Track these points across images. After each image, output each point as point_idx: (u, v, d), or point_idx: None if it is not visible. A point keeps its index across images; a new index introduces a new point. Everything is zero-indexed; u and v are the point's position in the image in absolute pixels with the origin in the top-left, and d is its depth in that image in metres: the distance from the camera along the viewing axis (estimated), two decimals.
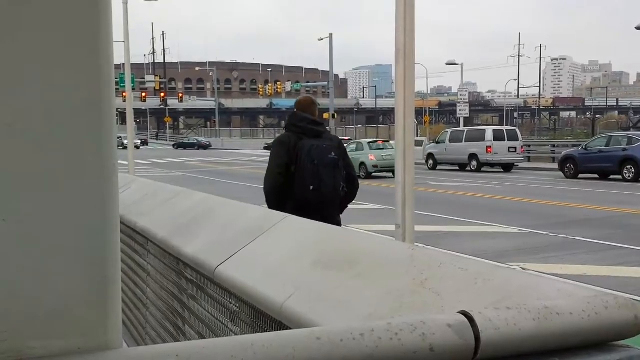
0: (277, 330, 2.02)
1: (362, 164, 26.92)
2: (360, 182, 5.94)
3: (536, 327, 1.03)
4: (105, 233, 0.91)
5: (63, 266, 0.88)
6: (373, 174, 26.91)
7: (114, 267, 0.92)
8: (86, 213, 0.89)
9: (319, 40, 63.09)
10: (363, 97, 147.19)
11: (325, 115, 64.16)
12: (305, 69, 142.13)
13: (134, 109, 26.11)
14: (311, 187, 5.02)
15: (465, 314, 1.03)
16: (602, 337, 1.09)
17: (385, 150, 27.43)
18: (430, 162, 34.89)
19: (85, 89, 0.87)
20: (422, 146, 37.19)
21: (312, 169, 5.04)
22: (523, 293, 1.37)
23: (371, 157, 27.07)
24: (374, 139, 31.55)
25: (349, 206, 5.53)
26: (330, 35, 60.61)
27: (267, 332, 2.14)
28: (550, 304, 1.09)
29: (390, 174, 24.78)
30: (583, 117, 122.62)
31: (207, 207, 3.69)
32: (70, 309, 0.89)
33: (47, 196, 0.87)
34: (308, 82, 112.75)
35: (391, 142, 27.46)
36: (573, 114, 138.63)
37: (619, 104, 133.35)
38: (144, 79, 66.73)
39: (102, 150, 0.89)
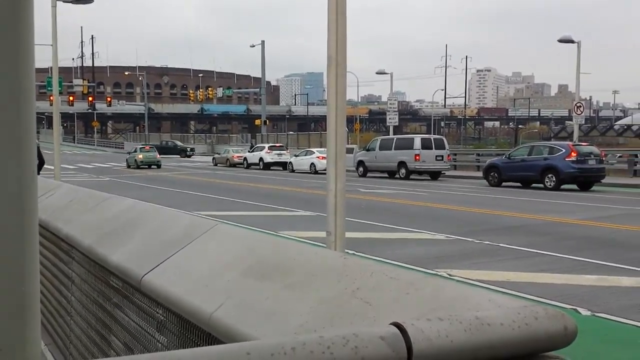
0: (206, 341, 1.98)
1: (135, 160, 46.99)
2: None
3: (467, 338, 1.03)
4: (24, 244, 0.86)
5: None
6: (140, 166, 46.58)
7: (33, 281, 0.87)
8: (5, 225, 0.84)
9: (251, 46, 63.04)
10: (295, 104, 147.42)
11: (257, 122, 63.92)
12: (237, 75, 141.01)
13: (61, 112, 25.45)
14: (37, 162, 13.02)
15: (397, 325, 1.02)
16: (533, 348, 1.10)
17: (149, 153, 47.94)
18: (361, 169, 35.28)
19: (5, 99, 0.84)
20: (352, 153, 37.55)
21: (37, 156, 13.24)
22: (455, 303, 1.38)
23: (139, 156, 47.15)
24: (144, 146, 52.32)
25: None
26: (262, 42, 60.58)
27: (195, 342, 2.09)
28: (481, 314, 1.09)
29: (154, 166, 46.80)
30: (506, 127, 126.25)
31: (134, 214, 3.60)
32: None
33: None
34: (240, 88, 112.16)
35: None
36: (497, 123, 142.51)
37: (541, 115, 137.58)
38: (72, 82, 64.74)
39: (21, 159, 0.85)
